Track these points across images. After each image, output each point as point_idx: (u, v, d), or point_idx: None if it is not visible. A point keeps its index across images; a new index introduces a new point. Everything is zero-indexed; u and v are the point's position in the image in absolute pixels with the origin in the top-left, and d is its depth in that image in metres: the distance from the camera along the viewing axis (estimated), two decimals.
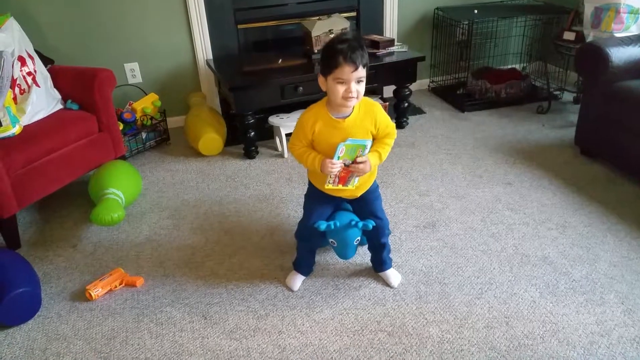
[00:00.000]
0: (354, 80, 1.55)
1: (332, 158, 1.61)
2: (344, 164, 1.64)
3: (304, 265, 1.93)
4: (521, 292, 1.83)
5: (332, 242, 1.79)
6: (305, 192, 1.91)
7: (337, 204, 1.84)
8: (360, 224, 1.74)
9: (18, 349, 1.71)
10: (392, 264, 1.95)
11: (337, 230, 1.75)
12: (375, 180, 1.82)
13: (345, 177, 1.68)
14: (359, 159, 1.63)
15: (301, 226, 1.88)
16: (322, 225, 1.72)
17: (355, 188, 1.74)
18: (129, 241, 2.23)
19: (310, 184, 1.86)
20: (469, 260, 2.01)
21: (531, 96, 3.47)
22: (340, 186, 1.70)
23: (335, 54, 1.53)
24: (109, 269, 2.03)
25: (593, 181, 2.51)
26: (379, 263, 1.92)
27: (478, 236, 2.15)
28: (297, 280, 1.92)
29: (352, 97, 1.57)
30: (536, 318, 1.72)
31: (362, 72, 1.56)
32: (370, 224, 1.74)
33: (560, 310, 1.75)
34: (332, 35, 2.95)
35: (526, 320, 1.71)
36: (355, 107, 1.64)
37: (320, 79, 1.62)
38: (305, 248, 1.91)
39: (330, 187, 1.70)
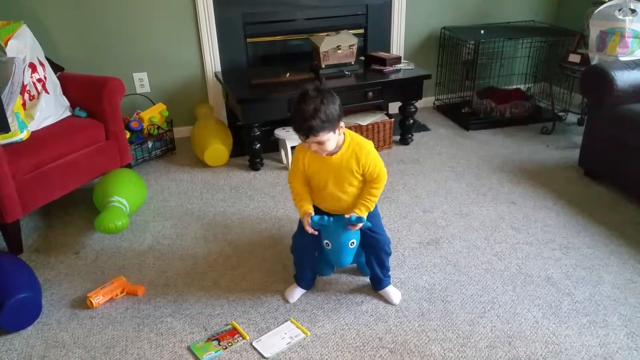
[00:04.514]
0: (313, 144, 1.60)
1: (320, 201, 1.77)
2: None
3: (304, 280, 1.92)
4: (524, 312, 1.82)
5: (326, 243, 1.72)
6: None
7: None
8: (353, 217, 1.66)
9: (16, 355, 1.70)
10: (393, 280, 1.94)
11: (330, 226, 1.68)
12: None
13: None
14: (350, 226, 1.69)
15: (295, 240, 1.88)
16: (316, 218, 1.67)
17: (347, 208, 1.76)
18: (131, 249, 2.23)
19: None
20: (472, 278, 2.00)
21: (535, 117, 3.49)
22: None
23: (292, 123, 1.59)
24: (111, 277, 2.03)
25: (597, 203, 2.51)
26: (377, 281, 1.90)
27: (481, 254, 2.14)
28: (296, 293, 1.91)
29: (320, 152, 1.64)
30: (539, 338, 1.71)
31: (318, 138, 1.57)
32: (367, 223, 1.70)
33: (563, 331, 1.73)
34: (339, 51, 2.99)
35: (529, 341, 1.70)
36: (345, 145, 1.67)
37: None
38: (302, 263, 1.90)
39: None
